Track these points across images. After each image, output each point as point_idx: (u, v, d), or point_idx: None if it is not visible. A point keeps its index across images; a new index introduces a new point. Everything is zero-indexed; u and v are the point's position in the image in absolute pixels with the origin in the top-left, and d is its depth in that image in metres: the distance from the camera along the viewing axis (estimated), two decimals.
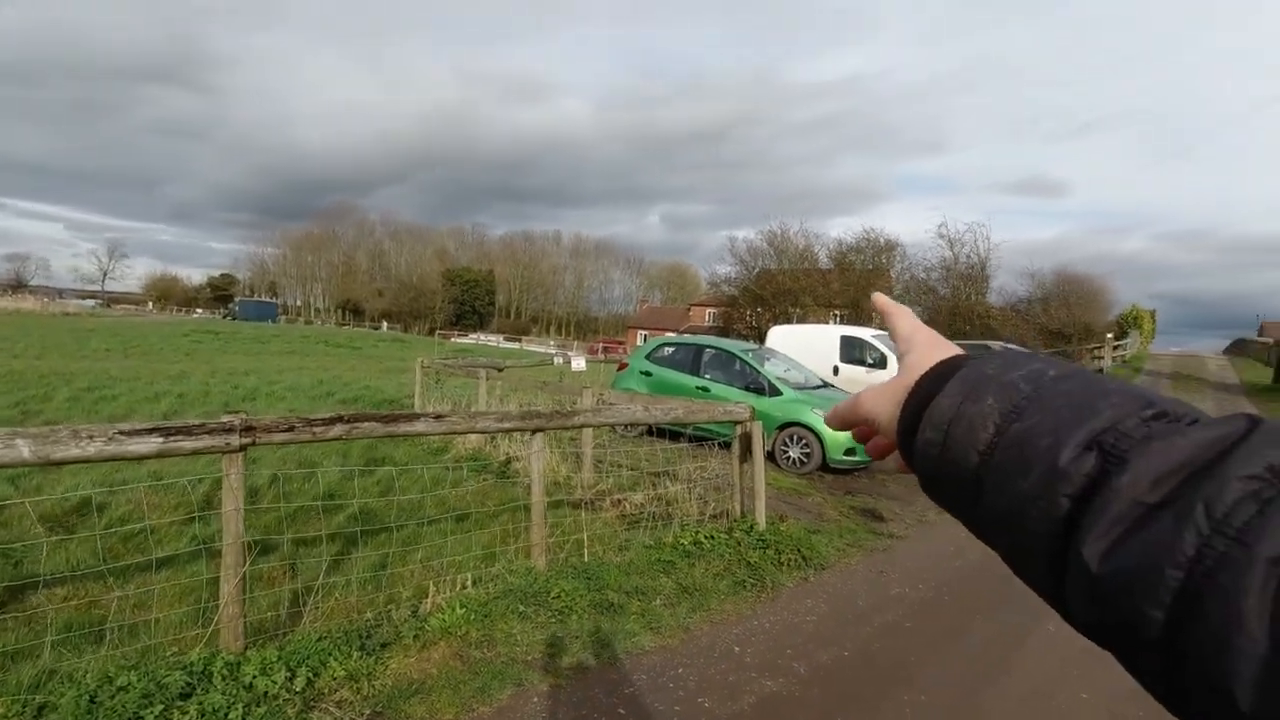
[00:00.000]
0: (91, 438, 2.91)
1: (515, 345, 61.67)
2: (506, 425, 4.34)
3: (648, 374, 11.31)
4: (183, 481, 5.85)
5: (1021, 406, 0.43)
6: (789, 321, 40.02)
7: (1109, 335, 28.74)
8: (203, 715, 2.83)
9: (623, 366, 12.02)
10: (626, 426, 11.12)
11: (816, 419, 9.62)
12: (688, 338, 12.60)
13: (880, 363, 15.14)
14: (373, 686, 3.26)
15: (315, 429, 3.50)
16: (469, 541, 5.05)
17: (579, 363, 13.11)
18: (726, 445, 9.02)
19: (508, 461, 8.38)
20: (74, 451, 2.87)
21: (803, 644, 4.20)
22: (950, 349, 0.53)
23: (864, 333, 15.90)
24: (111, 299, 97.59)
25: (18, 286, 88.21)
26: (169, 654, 3.24)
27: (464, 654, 3.62)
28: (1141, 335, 38.04)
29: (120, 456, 2.98)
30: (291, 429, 3.43)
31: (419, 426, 3.88)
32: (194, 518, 5.24)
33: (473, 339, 67.82)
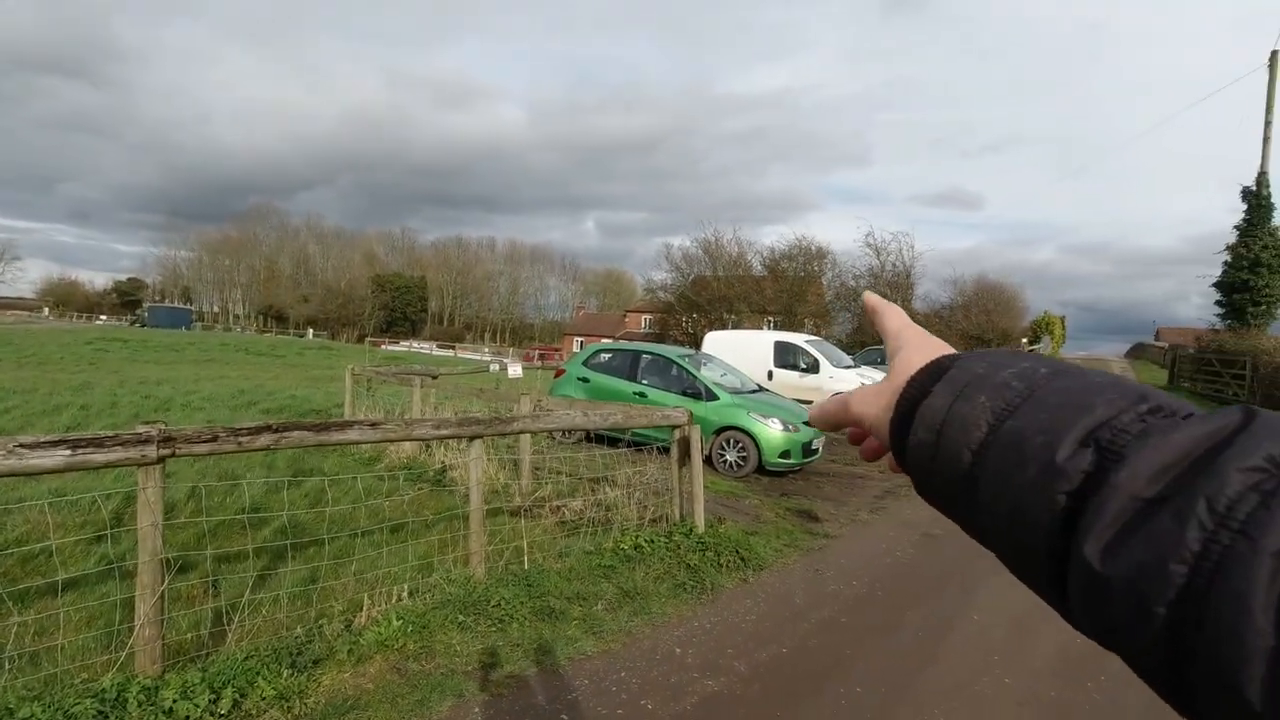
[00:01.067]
0: None
1: (449, 353, 60.41)
2: (444, 432, 4.25)
3: (585, 380, 11.27)
4: (90, 497, 5.48)
5: (1014, 404, 0.42)
6: (724, 327, 40.68)
7: (1024, 340, 30.37)
8: None
9: (560, 373, 11.95)
10: (565, 433, 11.07)
11: (753, 422, 9.79)
12: (624, 344, 12.64)
13: (813, 367, 15.56)
14: (305, 705, 3.13)
15: (240, 439, 3.35)
16: (404, 552, 4.92)
17: (515, 370, 12.95)
18: (665, 450, 9.10)
19: (443, 470, 8.20)
20: None
21: (743, 643, 4.26)
22: (941, 347, 0.52)
23: (797, 338, 16.29)
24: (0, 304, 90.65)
25: None
26: (77, 681, 3.03)
27: (401, 667, 3.52)
28: (1053, 340, 40.45)
29: (21, 471, 2.77)
30: (215, 439, 3.27)
31: (352, 435, 3.75)
32: (102, 536, 4.91)
33: (405, 346, 66.08)
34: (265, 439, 3.43)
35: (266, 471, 7.41)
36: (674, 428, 6.19)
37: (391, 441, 5.38)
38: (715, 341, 16.57)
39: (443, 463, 8.36)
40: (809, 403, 12.29)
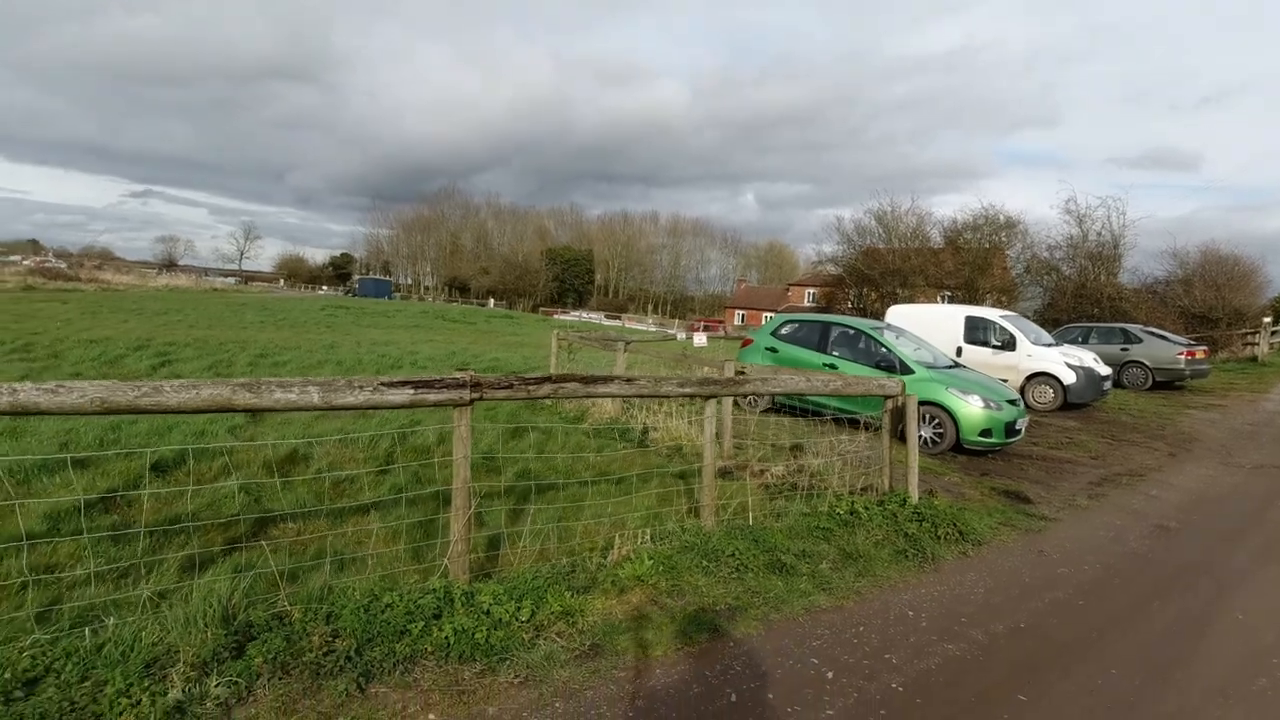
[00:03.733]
0: (361, 388, 3.36)
1: (616, 322, 62.64)
2: (687, 390, 4.58)
3: (773, 350, 11.35)
4: (368, 435, 6.48)
5: None
6: (895, 301, 38.64)
7: (1266, 319, 26.10)
8: (456, 633, 3.24)
9: (747, 343, 12.10)
10: (751, 402, 11.26)
11: (951, 398, 9.41)
12: (812, 315, 12.51)
13: (1008, 345, 14.51)
14: (585, 621, 3.60)
15: (530, 387, 3.86)
16: (630, 503, 5.36)
17: (700, 339, 13.29)
18: (856, 423, 9.00)
19: (644, 430, 8.70)
20: (350, 398, 3.31)
21: (974, 613, 4.25)
22: None
23: (991, 313, 15.24)
24: (248, 276, 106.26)
25: (170, 265, 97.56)
26: (412, 582, 3.69)
27: (658, 600, 3.92)
28: None
29: (382, 405, 3.41)
30: (510, 386, 3.80)
31: (613, 389, 4.18)
32: (384, 470, 5.81)
33: (574, 316, 69.40)
34: (547, 388, 3.92)
35: (489, 424, 8.29)
36: (887, 398, 6.15)
37: (644, 397, 5.86)
38: (899, 315, 15.88)
39: (644, 424, 8.88)
40: (1004, 382, 11.53)
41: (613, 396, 4.32)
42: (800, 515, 5.40)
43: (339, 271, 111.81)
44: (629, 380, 4.24)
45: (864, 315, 41.52)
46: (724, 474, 6.84)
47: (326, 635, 3.08)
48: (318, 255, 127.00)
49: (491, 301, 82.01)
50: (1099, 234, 34.61)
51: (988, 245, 37.28)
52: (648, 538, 4.56)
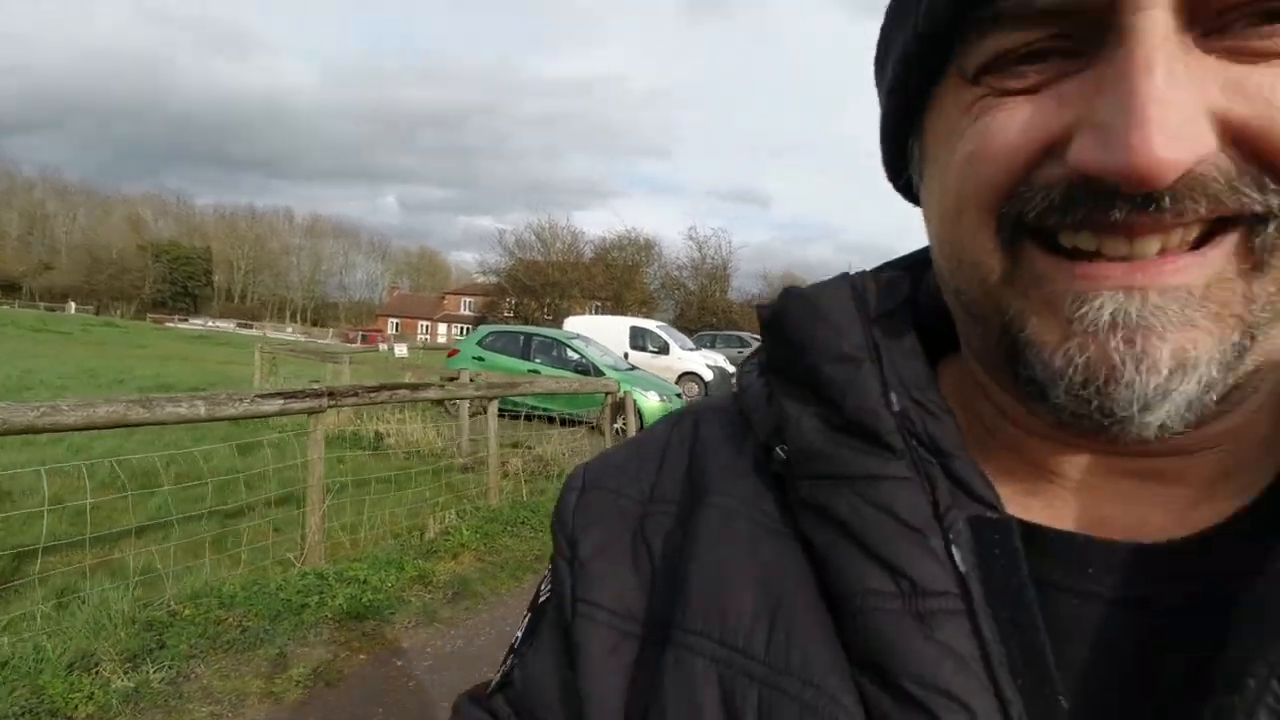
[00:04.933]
0: (240, 400, 3.75)
1: (251, 331, 55.88)
2: (480, 392, 5.59)
3: (480, 359, 12.43)
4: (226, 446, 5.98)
5: None
6: (554, 311, 42.27)
7: None
8: (348, 600, 3.87)
9: (453, 353, 12.97)
10: (453, 405, 12.17)
11: (636, 394, 11.64)
12: (515, 327, 13.91)
13: (663, 349, 17.77)
14: (439, 579, 4.44)
15: (371, 395, 4.53)
16: (404, 497, 6.07)
17: (402, 349, 13.72)
18: (564, 421, 10.62)
19: (378, 436, 9.12)
20: (230, 410, 3.69)
21: None
22: None
23: (649, 324, 18.45)
24: None
25: None
26: (279, 573, 4.11)
27: (483, 558, 4.90)
28: None
29: (257, 414, 3.83)
30: (356, 395, 4.44)
31: (433, 393, 5.02)
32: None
33: (199, 324, 59.83)
34: (384, 395, 4.63)
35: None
36: (607, 394, 7.84)
37: (454, 399, 6.40)
38: (576, 325, 18.19)
39: (375, 431, 9.27)
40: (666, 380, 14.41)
41: (431, 400, 5.05)
42: (554, 491, 6.74)
43: None
44: (443, 385, 5.11)
45: (526, 323, 44.33)
46: (467, 469, 7.82)
47: (237, 617, 3.48)
48: None
49: (73, 306, 65.97)
50: (713, 258, 42.65)
51: (630, 263, 43.06)
52: (453, 516, 5.45)
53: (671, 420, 0.50)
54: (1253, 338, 0.30)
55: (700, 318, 38.82)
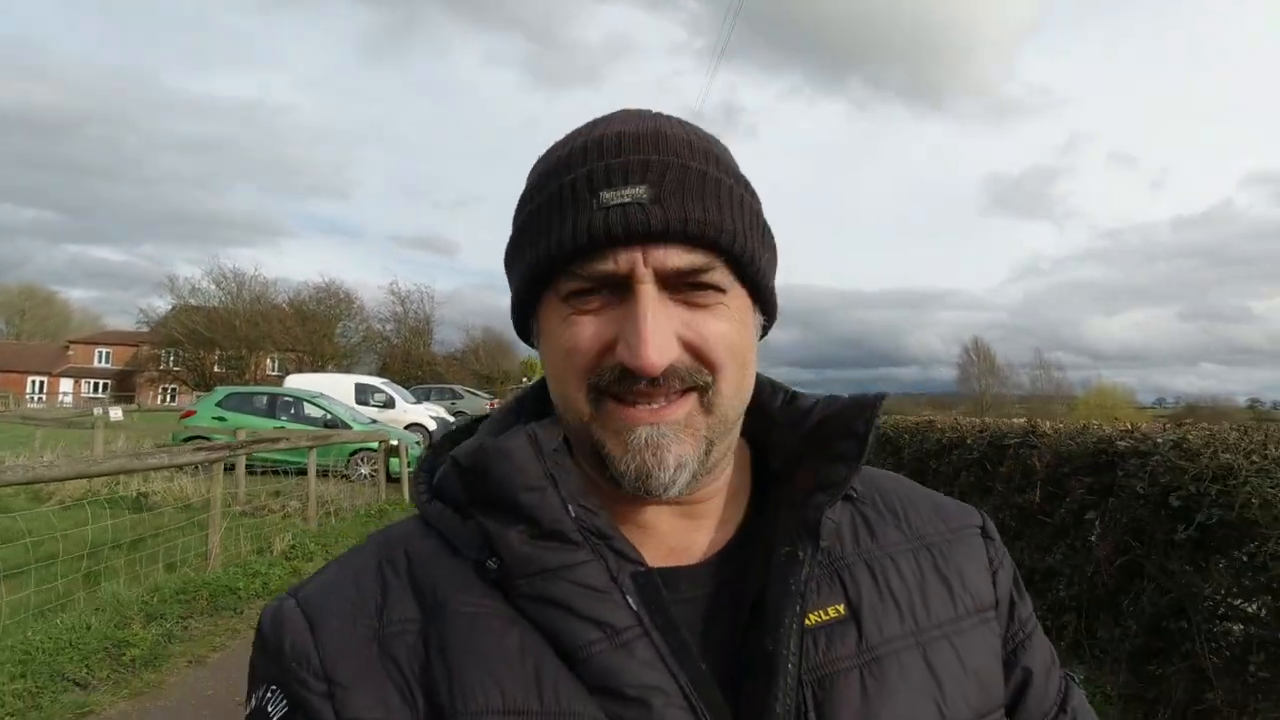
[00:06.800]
0: (179, 453, 5.51)
1: None
2: (216, 456, 7.52)
3: (221, 419, 13.12)
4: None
5: None
6: (239, 366, 39.50)
7: (524, 378, 38.94)
8: (278, 578, 5.75)
9: (189, 414, 13.35)
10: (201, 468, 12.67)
11: (411, 441, 13.44)
12: (254, 387, 14.61)
13: (389, 403, 19.34)
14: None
15: (252, 446, 6.38)
16: (231, 534, 7.62)
17: (116, 413, 13.53)
18: (301, 472, 12.08)
19: (141, 495, 9.83)
20: (156, 461, 5.44)
21: None
22: None
23: (373, 380, 19.91)
24: None
25: None
26: (205, 574, 5.78)
27: (326, 555, 6.91)
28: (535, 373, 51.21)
29: (188, 463, 5.58)
30: (247, 445, 6.28)
31: (294, 442, 6.89)
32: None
33: None
34: (260, 446, 6.49)
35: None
36: (381, 441, 9.95)
37: (206, 461, 7.89)
38: (299, 382, 18.86)
39: (139, 490, 9.90)
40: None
41: (287, 447, 6.75)
42: (354, 517, 8.74)
43: None
44: (213, 448, 7.01)
45: (202, 378, 40.53)
46: (253, 513, 9.28)
47: (202, 596, 5.25)
48: None
49: None
50: (415, 312, 43.86)
51: (330, 316, 42.19)
52: (289, 536, 7.28)
53: (376, 550, 0.60)
54: (710, 444, 0.57)
55: (405, 370, 39.73)
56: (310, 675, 0.52)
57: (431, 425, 19.35)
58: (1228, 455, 3.52)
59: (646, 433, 0.54)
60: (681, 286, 0.55)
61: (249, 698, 0.56)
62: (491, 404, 26.62)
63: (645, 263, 0.53)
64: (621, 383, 0.54)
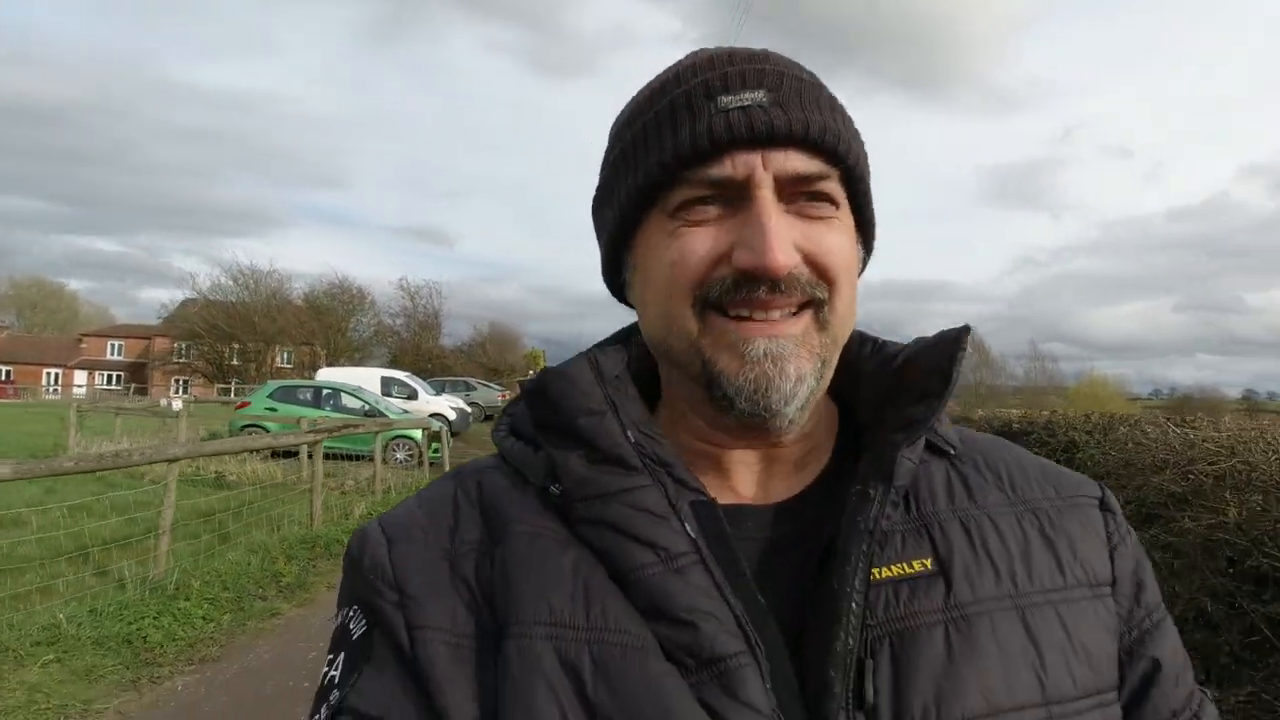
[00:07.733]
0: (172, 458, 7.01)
1: None
2: (372, 428, 9.02)
3: (273, 409, 14.60)
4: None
5: None
6: (257, 359, 40.98)
7: (530, 371, 40.36)
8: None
9: (244, 405, 14.86)
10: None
11: (413, 431, 14.93)
12: (300, 381, 16.13)
13: (413, 395, 20.76)
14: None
15: (332, 434, 7.88)
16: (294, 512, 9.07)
17: (177, 404, 15.03)
18: (357, 457, 13.54)
19: (219, 475, 11.34)
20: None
21: None
22: None
23: (398, 373, 21.35)
24: None
25: None
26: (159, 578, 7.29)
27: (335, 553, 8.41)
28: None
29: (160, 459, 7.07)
30: (358, 426, 7.78)
31: (306, 438, 8.38)
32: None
33: None
34: (310, 435, 7.98)
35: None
36: (426, 428, 11.44)
37: (316, 440, 9.38)
38: (330, 375, 20.37)
39: (216, 471, 11.39)
40: None
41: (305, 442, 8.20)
42: (408, 491, 10.25)
43: None
44: (384, 423, 8.52)
45: (220, 371, 42.04)
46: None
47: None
48: None
49: None
50: (424, 307, 45.31)
51: (344, 311, 43.65)
52: (364, 504, 8.76)
53: (453, 480, 0.62)
54: (824, 364, 0.57)
55: (416, 363, 41.17)
56: (385, 586, 0.55)
57: (452, 415, 20.82)
58: (1074, 433, 5.04)
59: (765, 345, 0.53)
60: (797, 196, 0.54)
61: (336, 614, 0.61)
62: (502, 395, 28.19)
63: (765, 166, 0.52)
64: (737, 290, 0.53)
